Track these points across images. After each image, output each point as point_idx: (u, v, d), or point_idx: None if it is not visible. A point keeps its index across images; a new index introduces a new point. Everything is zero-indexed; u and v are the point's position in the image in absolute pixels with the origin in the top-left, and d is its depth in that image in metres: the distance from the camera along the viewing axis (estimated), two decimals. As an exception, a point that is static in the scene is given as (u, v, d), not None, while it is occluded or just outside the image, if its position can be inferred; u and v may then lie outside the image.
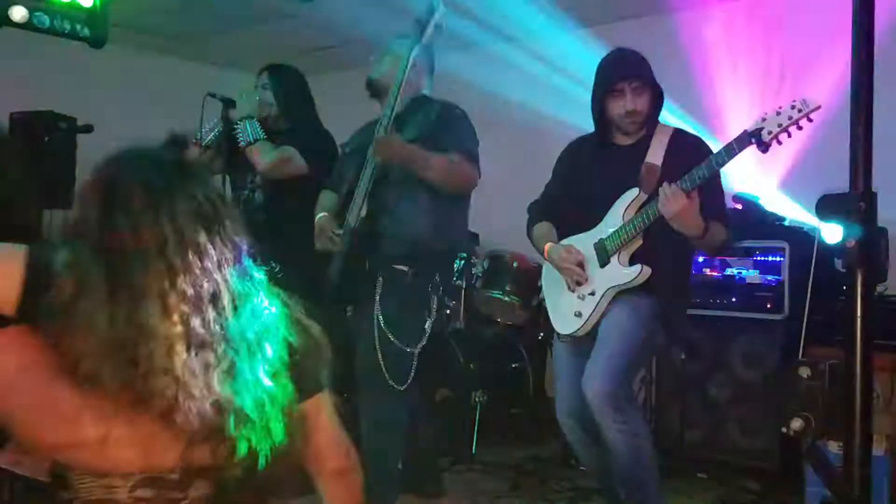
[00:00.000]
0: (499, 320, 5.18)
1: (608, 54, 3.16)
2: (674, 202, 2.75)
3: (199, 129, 4.16)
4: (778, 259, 4.08)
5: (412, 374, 3.32)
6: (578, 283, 3.07)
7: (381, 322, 3.25)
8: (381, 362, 3.22)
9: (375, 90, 3.57)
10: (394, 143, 3.27)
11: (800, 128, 2.66)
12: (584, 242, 3.10)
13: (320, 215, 3.56)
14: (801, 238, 4.14)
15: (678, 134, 3.09)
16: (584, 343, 3.06)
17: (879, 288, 4.02)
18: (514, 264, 4.89)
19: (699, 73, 5.24)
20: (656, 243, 2.97)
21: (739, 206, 4.42)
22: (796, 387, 3.17)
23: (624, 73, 3.05)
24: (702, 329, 4.16)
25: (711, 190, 2.89)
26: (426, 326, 3.34)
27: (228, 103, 3.99)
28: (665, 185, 2.80)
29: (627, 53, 3.12)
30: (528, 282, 4.92)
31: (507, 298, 4.87)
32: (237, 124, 3.92)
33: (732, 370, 4.17)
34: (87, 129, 5.24)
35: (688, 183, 2.78)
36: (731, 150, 2.76)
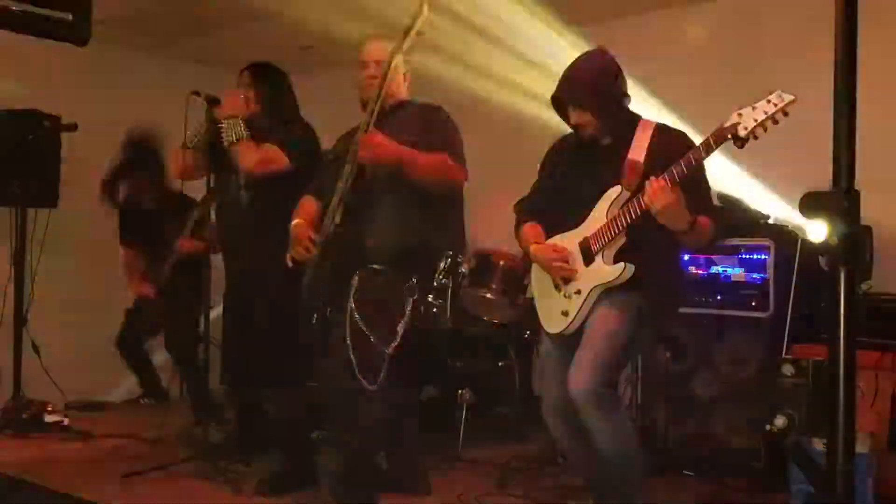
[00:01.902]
0: (485, 319, 5.18)
1: (568, 66, 3.14)
2: (661, 196, 2.74)
3: (184, 129, 4.15)
4: (763, 257, 4.09)
5: (383, 373, 3.31)
6: (567, 280, 3.07)
7: (356, 319, 3.25)
8: (353, 359, 3.21)
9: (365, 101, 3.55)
10: (379, 141, 3.24)
11: (776, 122, 2.65)
12: (568, 241, 3.10)
13: (294, 223, 3.54)
14: (785, 236, 4.15)
15: (661, 129, 3.07)
16: (571, 341, 3.06)
17: (864, 286, 4.07)
18: (501, 263, 4.89)
19: (682, 71, 5.25)
20: (641, 240, 2.96)
21: (724, 205, 4.43)
22: (780, 384, 3.18)
23: (564, 96, 3.10)
24: (687, 327, 4.17)
25: (696, 185, 2.88)
26: (399, 328, 3.34)
27: (213, 102, 3.98)
28: (651, 179, 2.78)
29: (572, 73, 3.10)
30: (514, 280, 4.92)
31: (493, 297, 4.87)
32: (221, 123, 3.91)
33: (717, 368, 4.18)
34: (72, 127, 5.22)
35: (666, 179, 2.78)
36: (708, 146, 2.74)
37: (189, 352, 5.41)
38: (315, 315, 3.61)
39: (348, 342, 3.23)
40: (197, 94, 4.01)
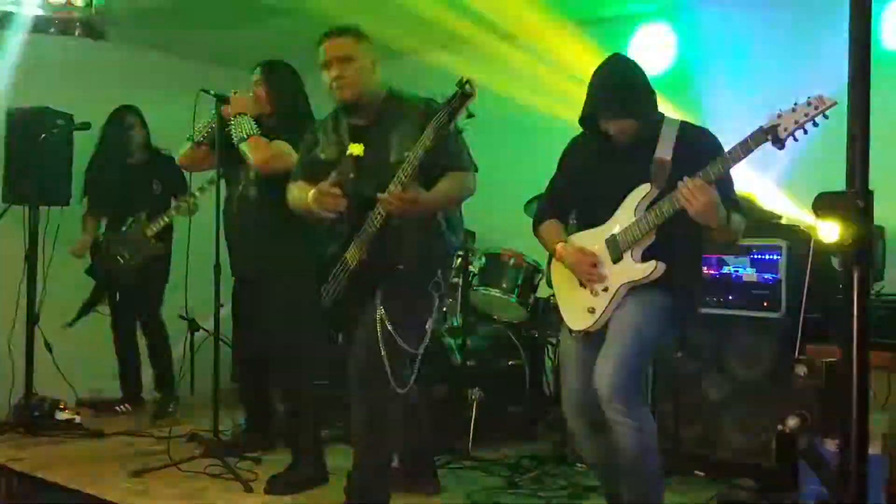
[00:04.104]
0: (495, 317, 5.19)
1: (596, 74, 3.08)
2: (700, 196, 2.74)
3: (193, 126, 4.16)
4: (775, 257, 4.07)
5: (413, 376, 3.30)
6: (592, 283, 3.07)
7: (385, 322, 3.20)
8: (386, 362, 3.18)
9: (353, 107, 3.37)
10: (407, 206, 3.07)
11: (816, 124, 2.65)
12: (595, 238, 3.09)
13: (312, 191, 3.30)
14: (798, 236, 4.13)
15: (686, 127, 3.07)
16: (593, 338, 3.06)
17: (876, 286, 4.05)
18: (511, 262, 4.90)
19: (699, 73, 5.25)
20: (668, 239, 2.96)
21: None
22: (793, 385, 3.17)
23: (604, 111, 3.04)
24: (698, 327, 4.16)
25: (725, 181, 2.89)
26: (427, 326, 3.32)
27: (222, 99, 3.99)
28: (687, 179, 2.77)
29: (610, 84, 3.04)
30: (524, 279, 4.93)
31: (503, 296, 4.88)
32: (231, 120, 3.91)
33: (729, 368, 4.16)
34: (85, 126, 5.23)
35: (702, 179, 2.78)
36: (747, 146, 2.74)
37: (157, 327, 5.55)
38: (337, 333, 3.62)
39: (382, 350, 3.17)
40: (206, 91, 4.01)
